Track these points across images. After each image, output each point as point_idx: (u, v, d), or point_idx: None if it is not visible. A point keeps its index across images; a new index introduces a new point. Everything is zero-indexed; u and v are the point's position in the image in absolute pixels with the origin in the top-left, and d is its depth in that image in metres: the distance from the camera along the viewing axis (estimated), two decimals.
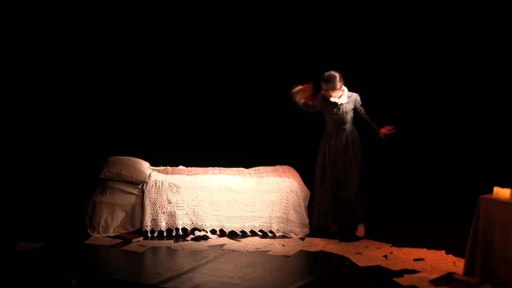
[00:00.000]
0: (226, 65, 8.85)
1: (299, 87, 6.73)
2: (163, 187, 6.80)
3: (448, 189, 8.05)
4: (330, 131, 6.86)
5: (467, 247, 5.60)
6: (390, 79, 8.50)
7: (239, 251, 6.32)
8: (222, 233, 6.80)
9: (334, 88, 6.65)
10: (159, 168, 7.38)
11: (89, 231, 6.70)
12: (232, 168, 7.43)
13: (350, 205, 6.78)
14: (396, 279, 5.53)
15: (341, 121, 6.77)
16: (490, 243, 5.41)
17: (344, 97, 6.73)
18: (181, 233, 6.72)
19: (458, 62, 8.16)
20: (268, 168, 7.44)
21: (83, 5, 8.75)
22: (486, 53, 8.00)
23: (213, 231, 6.79)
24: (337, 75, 6.65)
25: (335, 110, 6.74)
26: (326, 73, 6.66)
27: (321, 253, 6.32)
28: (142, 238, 6.58)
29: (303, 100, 6.75)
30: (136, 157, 7.24)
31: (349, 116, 6.79)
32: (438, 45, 8.27)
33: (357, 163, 6.79)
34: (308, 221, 6.90)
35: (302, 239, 6.74)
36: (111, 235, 6.66)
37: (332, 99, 6.71)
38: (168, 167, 7.44)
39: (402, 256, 6.15)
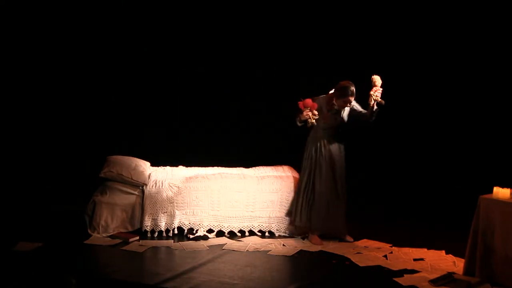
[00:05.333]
0: (226, 65, 8.85)
1: (308, 109, 6.36)
2: (163, 187, 6.80)
3: (448, 189, 8.05)
4: (320, 135, 6.63)
5: (467, 247, 5.60)
6: (391, 78, 8.50)
7: (239, 251, 6.32)
8: (221, 233, 6.80)
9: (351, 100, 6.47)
10: (159, 168, 7.37)
11: (89, 231, 6.69)
12: (232, 168, 7.43)
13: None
14: (396, 279, 5.53)
15: (336, 126, 6.62)
16: (490, 243, 5.40)
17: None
18: (176, 232, 6.72)
19: (459, 62, 8.17)
20: (268, 168, 7.42)
21: (83, 5, 8.75)
22: (486, 53, 8.01)
23: (210, 231, 6.79)
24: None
25: (335, 116, 6.58)
26: (352, 87, 6.33)
27: (321, 253, 6.31)
28: (138, 237, 6.58)
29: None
30: (136, 157, 7.24)
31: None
32: (440, 45, 8.28)
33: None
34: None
35: (302, 239, 6.74)
36: (110, 234, 6.67)
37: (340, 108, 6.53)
38: (168, 167, 7.43)
39: (402, 256, 6.15)
